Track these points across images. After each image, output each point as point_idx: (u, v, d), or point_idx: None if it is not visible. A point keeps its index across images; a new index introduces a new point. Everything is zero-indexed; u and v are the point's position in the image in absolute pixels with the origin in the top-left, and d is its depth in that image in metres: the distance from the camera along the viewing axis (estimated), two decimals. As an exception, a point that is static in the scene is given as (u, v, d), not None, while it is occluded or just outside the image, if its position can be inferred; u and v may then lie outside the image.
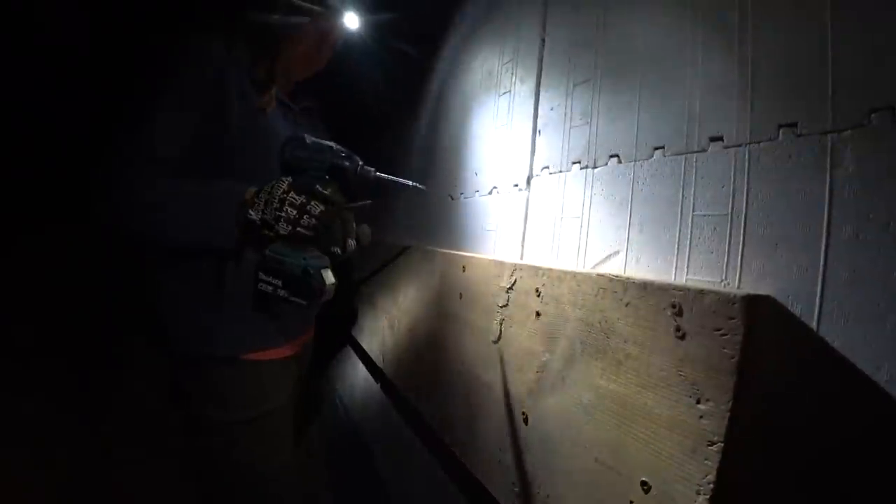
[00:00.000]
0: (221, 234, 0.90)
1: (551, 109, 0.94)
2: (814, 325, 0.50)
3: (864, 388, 0.45)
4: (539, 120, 0.98)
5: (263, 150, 1.03)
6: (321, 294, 0.90)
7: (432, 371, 1.16)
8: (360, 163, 0.91)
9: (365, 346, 1.80)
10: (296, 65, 1.15)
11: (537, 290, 0.78)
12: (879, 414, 0.44)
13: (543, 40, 1.01)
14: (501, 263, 0.90)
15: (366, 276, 1.91)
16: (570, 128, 0.88)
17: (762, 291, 0.53)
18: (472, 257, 1.03)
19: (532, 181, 0.98)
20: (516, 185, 1.02)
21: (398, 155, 1.94)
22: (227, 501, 1.06)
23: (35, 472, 1.65)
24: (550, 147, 0.93)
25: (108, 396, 2.34)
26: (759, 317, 0.51)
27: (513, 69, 1.11)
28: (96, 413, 2.17)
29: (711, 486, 0.51)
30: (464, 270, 1.03)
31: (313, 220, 0.88)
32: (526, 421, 0.79)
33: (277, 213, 0.86)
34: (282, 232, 0.87)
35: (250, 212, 0.87)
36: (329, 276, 0.90)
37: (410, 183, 1.08)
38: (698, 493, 0.52)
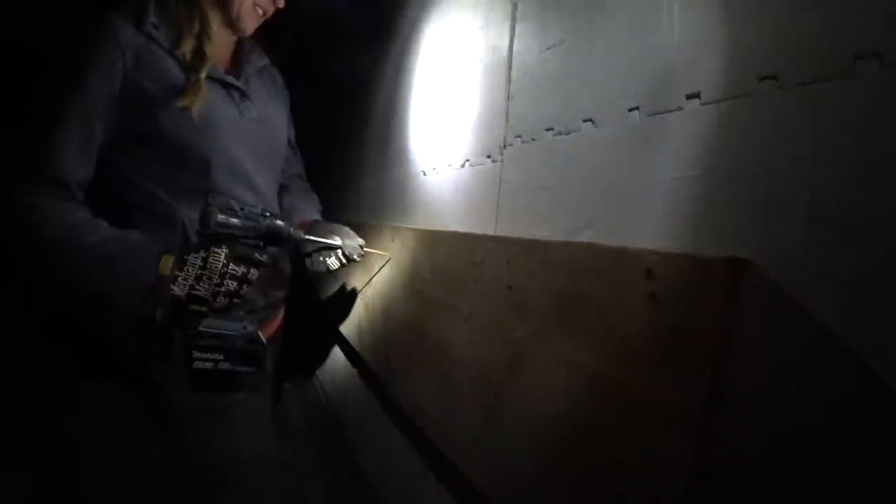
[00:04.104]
0: (122, 295, 0.82)
1: (524, 75, 0.90)
2: (795, 290, 0.46)
3: (848, 358, 0.42)
4: (512, 87, 0.93)
5: (204, 148, 0.93)
6: (265, 356, 0.86)
7: (406, 352, 1.13)
8: (291, 227, 0.87)
9: (343, 330, 1.76)
10: (241, 18, 0.98)
11: (508, 263, 0.75)
12: (864, 385, 0.41)
13: (516, 4, 0.96)
14: (472, 237, 0.86)
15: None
16: (543, 93, 0.83)
17: (741, 255, 0.50)
18: (442, 232, 0.99)
19: (505, 151, 0.93)
20: (489, 157, 0.98)
21: (359, 131, 1.89)
22: (208, 490, 1.03)
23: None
24: (523, 115, 0.89)
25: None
26: (739, 282, 0.47)
27: (485, 35, 1.06)
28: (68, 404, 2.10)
29: (690, 461, 0.48)
30: (435, 246, 0.99)
31: (251, 287, 0.83)
32: (499, 399, 0.76)
33: (217, 288, 0.79)
34: (217, 306, 0.81)
35: (173, 287, 0.78)
36: (262, 335, 0.86)
37: (338, 244, 1.06)
38: (676, 469, 0.49)
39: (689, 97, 0.58)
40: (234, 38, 1.05)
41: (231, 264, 0.79)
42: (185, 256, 0.78)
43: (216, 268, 0.78)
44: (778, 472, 0.45)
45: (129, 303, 0.81)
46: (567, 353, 0.62)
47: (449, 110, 1.20)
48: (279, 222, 0.85)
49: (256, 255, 0.82)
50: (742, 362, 0.47)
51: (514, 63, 0.94)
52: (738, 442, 0.48)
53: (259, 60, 1.11)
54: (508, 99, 0.94)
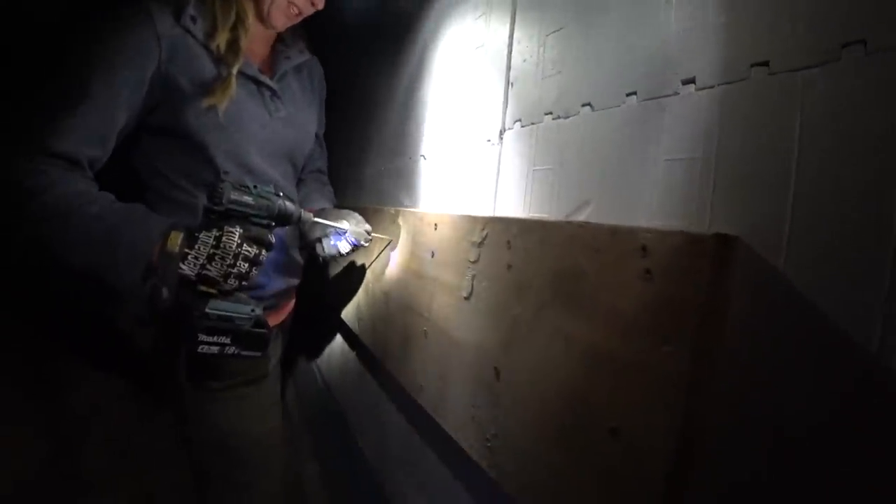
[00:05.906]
0: (122, 272, 0.75)
1: (524, 61, 0.92)
2: (780, 265, 0.49)
3: (831, 331, 0.45)
4: (512, 72, 0.95)
5: (225, 147, 0.92)
6: (270, 339, 0.84)
7: (406, 333, 1.15)
8: (301, 209, 0.86)
9: (342, 314, 1.78)
10: (272, 14, 0.96)
11: (508, 243, 0.77)
12: (847, 356, 0.44)
13: (517, -9, 0.97)
14: (473, 218, 0.88)
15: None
16: (543, 78, 0.85)
17: (731, 232, 0.52)
18: (443, 215, 1.00)
19: (504, 135, 0.95)
20: (489, 140, 1.00)
21: (361, 118, 1.89)
22: (214, 466, 1.05)
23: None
24: (523, 99, 0.91)
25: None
26: (727, 256, 0.50)
27: (486, 22, 1.07)
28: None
29: (678, 428, 0.51)
30: (435, 228, 1.01)
31: (258, 269, 0.81)
32: (497, 375, 0.78)
33: (229, 269, 0.76)
34: (227, 288, 0.78)
35: (182, 266, 0.74)
36: (270, 322, 0.84)
37: (346, 228, 1.06)
38: (666, 437, 0.52)
39: (684, 83, 0.61)
40: (272, 32, 1.03)
41: (245, 245, 0.76)
42: (196, 234, 0.75)
43: (230, 248, 0.75)
44: (763, 436, 0.48)
45: (127, 280, 0.75)
46: (565, 329, 0.65)
47: (451, 96, 1.22)
48: (289, 203, 0.83)
49: (269, 236, 0.81)
50: (730, 333, 0.50)
51: (514, 49, 0.95)
52: (726, 408, 0.50)
53: (298, 56, 1.09)
54: (508, 84, 0.96)
